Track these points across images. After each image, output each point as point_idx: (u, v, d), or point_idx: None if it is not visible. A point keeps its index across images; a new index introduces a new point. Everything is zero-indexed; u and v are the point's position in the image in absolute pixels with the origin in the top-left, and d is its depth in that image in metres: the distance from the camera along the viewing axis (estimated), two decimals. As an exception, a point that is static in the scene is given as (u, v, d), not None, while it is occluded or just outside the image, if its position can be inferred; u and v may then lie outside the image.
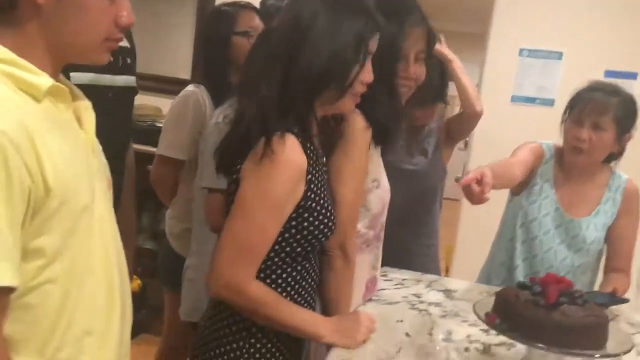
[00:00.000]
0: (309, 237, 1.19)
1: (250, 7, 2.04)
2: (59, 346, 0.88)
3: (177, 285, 2.00)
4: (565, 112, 1.82)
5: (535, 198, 1.85)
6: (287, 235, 1.17)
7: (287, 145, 1.11)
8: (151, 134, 2.50)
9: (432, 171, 2.11)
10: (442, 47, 1.92)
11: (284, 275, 1.21)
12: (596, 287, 1.86)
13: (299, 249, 1.20)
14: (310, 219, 1.17)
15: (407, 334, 1.38)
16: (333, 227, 1.23)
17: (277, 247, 1.17)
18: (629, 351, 1.15)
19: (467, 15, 6.44)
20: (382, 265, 1.80)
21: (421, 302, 1.61)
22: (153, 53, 3.32)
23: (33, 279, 0.85)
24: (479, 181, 1.42)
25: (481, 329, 1.44)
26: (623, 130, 1.75)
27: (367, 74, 1.19)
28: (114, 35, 0.92)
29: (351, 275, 1.37)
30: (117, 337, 0.98)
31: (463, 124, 2.09)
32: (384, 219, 1.50)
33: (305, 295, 1.26)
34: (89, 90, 1.06)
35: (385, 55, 1.24)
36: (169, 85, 3.13)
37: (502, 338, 1.39)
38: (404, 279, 1.78)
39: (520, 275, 1.85)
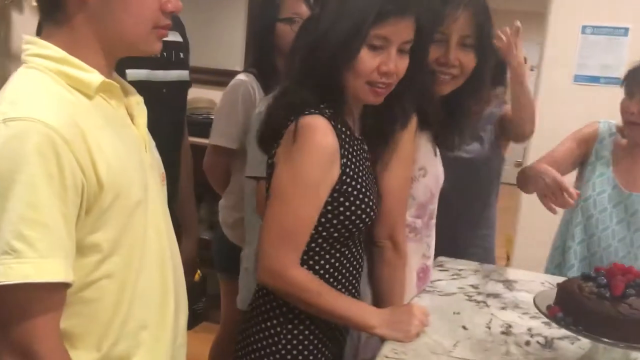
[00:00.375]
0: (347, 223, 1.18)
1: None
2: (115, 340, 0.90)
3: (233, 274, 2.04)
4: (623, 87, 1.73)
5: (590, 176, 1.81)
6: (323, 219, 1.16)
7: (316, 126, 1.11)
8: (206, 127, 2.53)
9: (488, 159, 2.04)
10: (511, 46, 1.79)
11: (322, 262, 1.20)
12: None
13: (336, 235, 1.19)
14: (347, 203, 1.16)
15: (464, 327, 1.34)
16: (373, 215, 1.21)
17: (314, 232, 1.17)
18: None
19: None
20: (437, 255, 1.77)
21: (479, 293, 1.56)
22: (206, 46, 3.36)
23: (90, 274, 0.87)
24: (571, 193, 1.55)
25: (543, 322, 1.38)
26: None
27: (385, 65, 1.13)
28: (162, 22, 0.93)
29: (403, 265, 1.35)
30: (171, 329, 1.00)
31: (509, 136, 2.00)
32: (433, 207, 1.47)
33: (346, 284, 1.25)
34: (144, 86, 1.08)
35: (418, 37, 1.16)
36: (223, 78, 3.14)
37: (565, 331, 1.33)
38: (460, 269, 1.74)
39: (575, 258, 1.78)
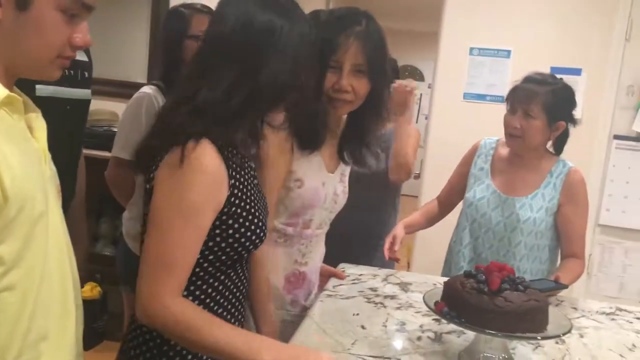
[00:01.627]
0: (236, 245, 1.13)
1: (205, 10, 2.06)
2: (18, 353, 0.89)
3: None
4: (506, 104, 1.92)
5: (472, 185, 2.00)
6: (211, 243, 1.10)
7: (202, 151, 1.05)
8: (108, 139, 2.48)
9: (385, 174, 2.23)
10: (405, 104, 2.14)
11: (208, 288, 1.14)
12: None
13: (224, 258, 1.13)
14: (236, 225, 1.11)
15: (362, 327, 1.42)
16: (263, 236, 1.17)
17: (200, 258, 1.10)
18: (567, 332, 1.22)
19: (421, 14, 6.56)
20: (345, 261, 1.89)
21: (377, 295, 1.66)
22: (109, 57, 3.29)
23: None
24: (393, 244, 1.88)
25: (433, 319, 1.50)
26: (554, 117, 1.84)
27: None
28: (66, 53, 0.94)
29: (262, 267, 1.42)
30: (72, 339, 1.00)
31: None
32: (309, 217, 1.51)
33: (232, 309, 1.20)
34: (49, 102, 1.09)
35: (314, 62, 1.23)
36: (125, 89, 3.10)
37: (453, 326, 1.45)
38: (360, 274, 1.83)
39: (464, 260, 1.96)
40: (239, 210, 1.12)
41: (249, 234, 1.13)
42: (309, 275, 1.57)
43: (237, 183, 1.12)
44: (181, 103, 1.09)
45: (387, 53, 1.47)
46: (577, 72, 3.03)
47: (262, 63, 1.08)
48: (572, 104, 1.90)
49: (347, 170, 1.61)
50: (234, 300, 1.20)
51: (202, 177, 1.05)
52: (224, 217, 1.10)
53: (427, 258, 2.14)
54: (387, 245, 1.92)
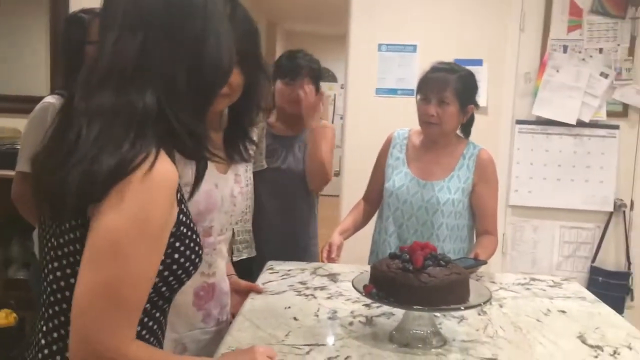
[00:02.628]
0: (180, 272, 0.95)
1: None
2: None
3: None
4: (416, 94, 1.99)
5: (390, 175, 2.06)
6: (160, 269, 0.91)
7: (163, 163, 0.87)
8: (11, 157, 2.35)
9: (302, 173, 2.31)
10: (313, 109, 2.25)
11: (150, 322, 0.97)
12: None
13: (173, 283, 0.96)
14: (182, 248, 0.95)
15: (294, 318, 1.43)
16: (202, 255, 1.01)
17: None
18: (488, 301, 1.29)
19: (328, 17, 6.69)
20: (272, 259, 1.91)
21: (307, 288, 1.68)
22: (8, 72, 3.12)
23: None
24: (330, 251, 1.92)
25: (363, 304, 1.54)
26: (465, 102, 1.96)
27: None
28: None
29: None
30: None
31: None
32: (209, 224, 1.39)
33: (161, 337, 1.03)
34: None
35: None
36: (28, 104, 2.94)
37: (382, 309, 1.50)
38: (289, 270, 1.84)
39: (390, 248, 2.01)
40: (185, 229, 0.95)
41: (193, 256, 0.97)
42: (218, 285, 1.46)
43: (181, 196, 0.96)
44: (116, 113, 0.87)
45: (259, 42, 1.38)
46: (478, 62, 3.20)
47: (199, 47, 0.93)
48: (476, 88, 2.02)
49: (242, 169, 1.51)
50: (164, 327, 1.03)
51: (166, 192, 0.87)
52: (172, 239, 0.92)
53: (351, 252, 2.17)
54: (325, 254, 1.94)
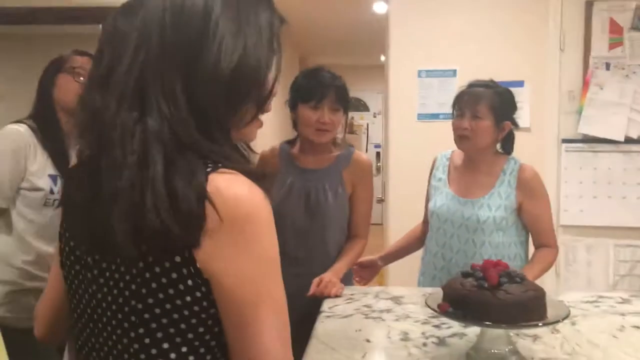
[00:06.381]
0: None
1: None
2: None
3: None
4: (452, 111, 2.02)
5: (432, 196, 2.09)
6: None
7: (254, 188, 0.76)
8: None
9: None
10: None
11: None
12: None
13: None
14: None
15: (367, 340, 1.44)
16: None
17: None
18: (567, 317, 1.28)
19: (360, 49, 6.80)
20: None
21: (373, 311, 1.68)
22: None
23: None
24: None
25: (433, 326, 1.54)
26: (500, 117, 1.95)
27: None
28: None
29: None
30: None
31: None
32: None
33: None
34: None
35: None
36: None
37: (454, 330, 1.50)
38: (352, 294, 1.85)
39: (435, 268, 2.02)
40: None
41: None
42: None
43: None
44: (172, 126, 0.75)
45: None
46: (520, 84, 3.20)
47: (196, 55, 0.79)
48: (514, 105, 2.01)
49: None
50: None
51: (267, 214, 0.77)
52: None
53: (400, 274, 2.16)
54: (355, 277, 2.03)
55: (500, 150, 2.05)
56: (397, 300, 1.79)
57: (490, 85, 2.01)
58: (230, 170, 0.76)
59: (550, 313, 1.29)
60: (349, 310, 1.68)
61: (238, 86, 0.80)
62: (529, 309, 1.25)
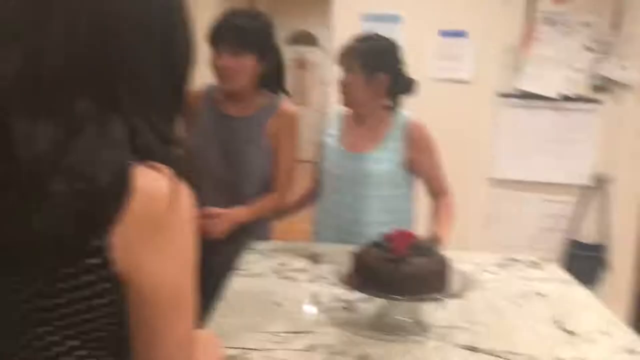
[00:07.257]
0: None
1: None
2: None
3: None
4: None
5: (326, 156, 2.06)
6: None
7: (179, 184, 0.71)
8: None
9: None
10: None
11: None
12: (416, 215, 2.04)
13: None
14: None
15: (276, 304, 1.44)
16: None
17: None
18: (461, 293, 1.30)
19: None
20: None
21: (288, 270, 1.68)
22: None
23: None
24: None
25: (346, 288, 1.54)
26: (371, 71, 1.87)
27: None
28: None
29: None
30: None
31: None
32: None
33: None
34: None
35: None
36: None
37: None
38: (273, 249, 1.84)
39: (329, 223, 2.01)
40: None
41: None
42: None
43: None
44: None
45: None
46: (461, 34, 3.17)
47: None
48: (393, 59, 1.93)
49: None
50: None
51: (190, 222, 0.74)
52: None
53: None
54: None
55: (390, 104, 1.99)
56: (315, 258, 1.79)
57: (370, 38, 1.94)
58: (155, 164, 0.69)
59: (454, 284, 1.32)
60: (264, 269, 1.68)
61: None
62: (429, 282, 1.27)
